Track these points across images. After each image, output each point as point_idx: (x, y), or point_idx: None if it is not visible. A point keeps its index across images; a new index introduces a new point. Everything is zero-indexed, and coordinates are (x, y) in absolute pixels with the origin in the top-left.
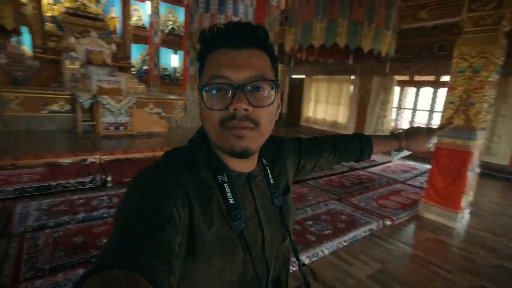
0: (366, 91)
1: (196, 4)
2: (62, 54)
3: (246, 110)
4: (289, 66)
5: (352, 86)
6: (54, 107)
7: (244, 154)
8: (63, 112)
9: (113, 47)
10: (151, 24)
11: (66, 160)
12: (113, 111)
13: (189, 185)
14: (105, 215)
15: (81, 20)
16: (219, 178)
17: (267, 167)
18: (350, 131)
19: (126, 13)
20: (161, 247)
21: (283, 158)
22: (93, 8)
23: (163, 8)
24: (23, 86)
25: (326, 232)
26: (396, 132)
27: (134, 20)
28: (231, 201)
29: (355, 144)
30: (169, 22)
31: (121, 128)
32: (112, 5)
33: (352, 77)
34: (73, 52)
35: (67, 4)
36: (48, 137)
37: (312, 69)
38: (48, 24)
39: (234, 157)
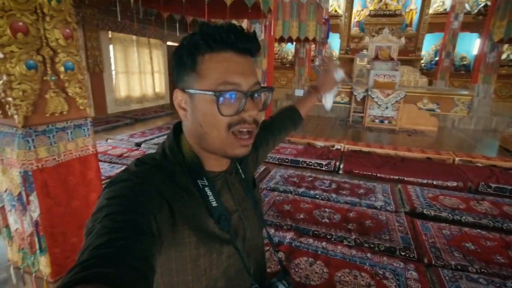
0: None
1: None
2: (357, 53)
3: (256, 115)
4: None
5: None
6: (338, 98)
7: (243, 158)
8: (343, 103)
9: (402, 41)
10: (452, 7)
11: (319, 143)
12: (380, 105)
13: (166, 192)
14: (317, 196)
15: (380, 19)
16: (200, 183)
17: (236, 162)
18: None
19: (425, 2)
20: (134, 260)
21: (247, 162)
22: (393, 5)
23: None
24: None
25: None
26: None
27: (435, 7)
28: (213, 204)
29: (284, 116)
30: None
31: (386, 121)
32: None
33: None
34: (366, 50)
35: (372, 7)
36: (327, 123)
37: None
38: (354, 28)
39: (230, 159)
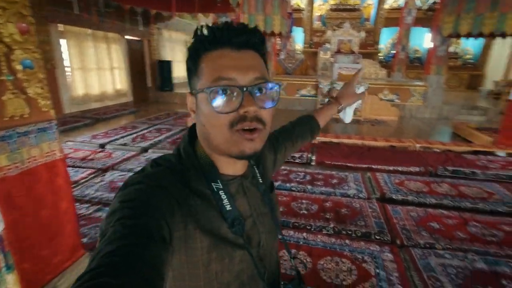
0: None
1: None
2: (320, 47)
3: (255, 112)
4: None
5: None
6: (304, 91)
7: (252, 156)
8: (309, 96)
9: (362, 34)
10: (406, 3)
11: None
12: None
13: (179, 195)
14: (293, 189)
15: (340, 14)
16: (214, 186)
17: (254, 167)
18: None
19: None
20: (143, 268)
21: (263, 158)
22: (352, 0)
23: None
24: (291, 75)
25: None
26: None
27: (390, 2)
28: (228, 207)
29: (304, 124)
30: None
31: (352, 113)
32: None
33: None
34: (328, 44)
35: (332, 2)
36: (296, 116)
37: None
38: (316, 22)
39: (241, 160)
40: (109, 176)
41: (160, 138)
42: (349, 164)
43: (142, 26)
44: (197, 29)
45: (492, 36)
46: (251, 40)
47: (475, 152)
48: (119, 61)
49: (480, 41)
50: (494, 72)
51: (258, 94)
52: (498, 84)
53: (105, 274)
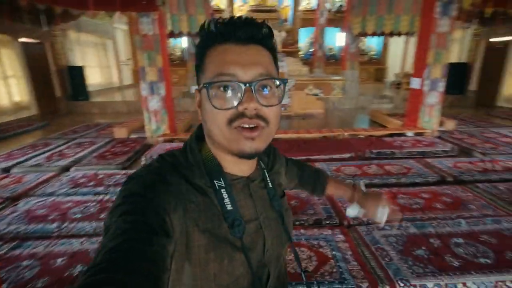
0: None
1: None
2: None
3: (255, 109)
4: (488, 26)
5: None
6: None
7: (253, 155)
8: None
9: (283, 34)
10: (318, 5)
11: None
12: None
13: (182, 191)
14: None
15: (260, 14)
16: (216, 184)
17: (265, 170)
18: None
19: (297, 0)
20: (144, 263)
21: (278, 167)
22: (270, 1)
23: None
24: None
25: (482, 260)
26: (359, 184)
27: (304, 4)
28: (229, 207)
29: (310, 183)
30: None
31: (282, 108)
32: None
33: None
34: None
35: (252, 3)
36: None
37: None
38: None
39: (242, 159)
40: (23, 205)
41: (82, 153)
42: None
43: (46, 26)
44: (202, 25)
45: (392, 35)
46: (257, 34)
47: (391, 135)
48: (14, 68)
49: (381, 39)
50: (393, 66)
51: (261, 91)
52: (398, 75)
53: (107, 270)
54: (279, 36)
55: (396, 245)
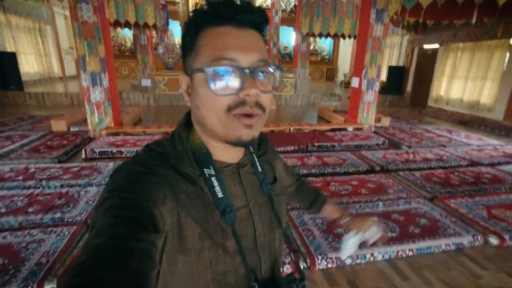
0: None
1: None
2: None
3: (256, 95)
4: (420, 34)
5: (509, 53)
6: None
7: (250, 143)
8: None
9: None
10: (272, 4)
11: None
12: None
13: (171, 181)
14: None
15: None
16: (206, 172)
17: (254, 154)
18: (497, 115)
19: None
20: (133, 259)
21: (271, 158)
22: None
23: None
24: (172, 70)
25: (389, 234)
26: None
27: (259, 2)
28: (219, 195)
29: (310, 197)
30: (292, 0)
31: None
32: None
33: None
34: None
35: None
36: (182, 110)
37: (450, 35)
38: None
39: (236, 146)
40: None
41: (12, 147)
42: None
43: None
44: (196, 4)
45: (336, 36)
46: (256, 19)
47: (334, 130)
48: None
49: (331, 40)
50: (343, 66)
51: (260, 77)
52: (346, 75)
53: (93, 270)
54: None
55: (321, 226)
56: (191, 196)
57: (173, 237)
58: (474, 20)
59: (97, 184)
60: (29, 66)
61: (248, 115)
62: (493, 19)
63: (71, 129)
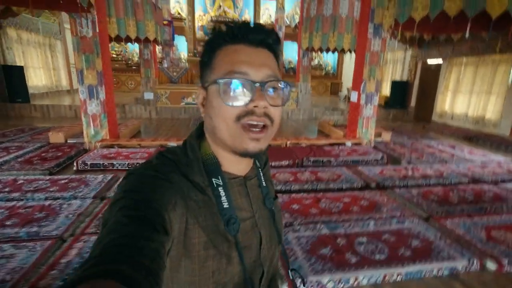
0: None
1: None
2: None
3: (264, 107)
4: (423, 49)
5: None
6: (189, 99)
7: (256, 154)
8: (194, 104)
9: None
10: (276, 20)
11: (172, 144)
12: None
13: (182, 188)
14: None
15: (221, 25)
16: (214, 182)
17: (260, 169)
18: (503, 130)
19: (256, 13)
20: (145, 258)
21: (268, 172)
22: (231, 13)
23: (292, 2)
24: (176, 83)
25: (377, 256)
26: None
27: (264, 18)
28: (225, 205)
29: None
30: (296, 16)
31: None
32: (246, 8)
33: None
34: None
35: (212, 14)
36: (181, 124)
37: (454, 49)
38: (200, 32)
39: (243, 157)
40: None
41: (6, 158)
42: None
43: None
44: (214, 26)
45: (336, 51)
46: (267, 39)
47: (332, 144)
48: None
49: (336, 55)
50: (347, 81)
51: (269, 92)
52: (350, 90)
53: (109, 262)
54: None
55: (305, 245)
56: (199, 204)
57: (179, 244)
58: (467, 34)
59: (81, 197)
60: (37, 79)
61: (257, 128)
62: (487, 33)
63: (69, 141)
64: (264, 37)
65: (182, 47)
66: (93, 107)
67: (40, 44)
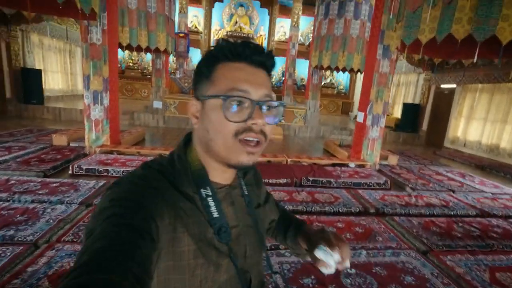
0: None
1: (317, 12)
2: None
3: (262, 125)
4: (436, 73)
5: None
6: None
7: (249, 168)
8: None
9: None
10: (290, 37)
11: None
12: None
13: (169, 198)
14: None
15: (235, 40)
16: (203, 192)
17: (241, 179)
18: None
19: (271, 30)
20: (132, 266)
21: (256, 181)
22: (246, 29)
23: (308, 21)
24: (187, 94)
25: None
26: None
27: (279, 35)
28: (215, 214)
29: (286, 223)
30: (311, 35)
31: None
32: (262, 24)
33: None
34: None
35: (229, 28)
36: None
37: (468, 75)
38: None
39: (235, 169)
40: None
41: (6, 157)
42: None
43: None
44: (218, 41)
45: (345, 71)
46: (267, 61)
47: (334, 165)
48: None
49: (348, 75)
50: (358, 101)
51: (265, 110)
52: None
53: (97, 270)
54: None
55: (287, 273)
56: (188, 213)
57: (168, 255)
58: (475, 59)
59: (68, 202)
60: (54, 82)
61: (253, 143)
62: (496, 59)
63: (71, 144)
64: (265, 60)
65: (196, 59)
66: (97, 113)
67: (61, 49)
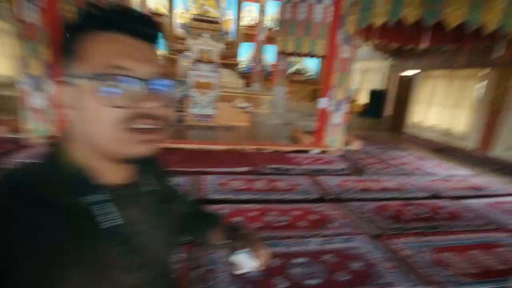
0: (503, 91)
1: None
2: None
3: (153, 108)
4: (396, 59)
5: (485, 83)
6: None
7: (144, 160)
8: None
9: (221, 46)
10: (257, 22)
11: None
12: (199, 103)
13: (40, 222)
14: None
15: (202, 24)
16: (88, 199)
17: (145, 172)
18: (471, 144)
19: (239, 15)
20: None
21: (159, 173)
22: (213, 13)
23: (277, 6)
24: None
25: (310, 281)
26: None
27: (247, 20)
28: (107, 224)
29: (201, 221)
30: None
31: (206, 119)
32: (229, 8)
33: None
34: (189, 51)
35: (194, 12)
36: None
37: (427, 62)
38: (179, 30)
39: (130, 164)
40: None
41: None
42: (182, 169)
43: None
44: (90, 2)
45: (309, 55)
46: (151, 31)
47: (297, 151)
48: None
49: (317, 61)
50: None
51: (155, 90)
52: None
53: None
54: (217, 48)
55: None
56: (67, 227)
57: (50, 274)
58: (426, 45)
59: None
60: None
61: (146, 130)
62: (442, 45)
63: (15, 136)
64: (148, 29)
65: (162, 44)
66: (38, 100)
67: None
